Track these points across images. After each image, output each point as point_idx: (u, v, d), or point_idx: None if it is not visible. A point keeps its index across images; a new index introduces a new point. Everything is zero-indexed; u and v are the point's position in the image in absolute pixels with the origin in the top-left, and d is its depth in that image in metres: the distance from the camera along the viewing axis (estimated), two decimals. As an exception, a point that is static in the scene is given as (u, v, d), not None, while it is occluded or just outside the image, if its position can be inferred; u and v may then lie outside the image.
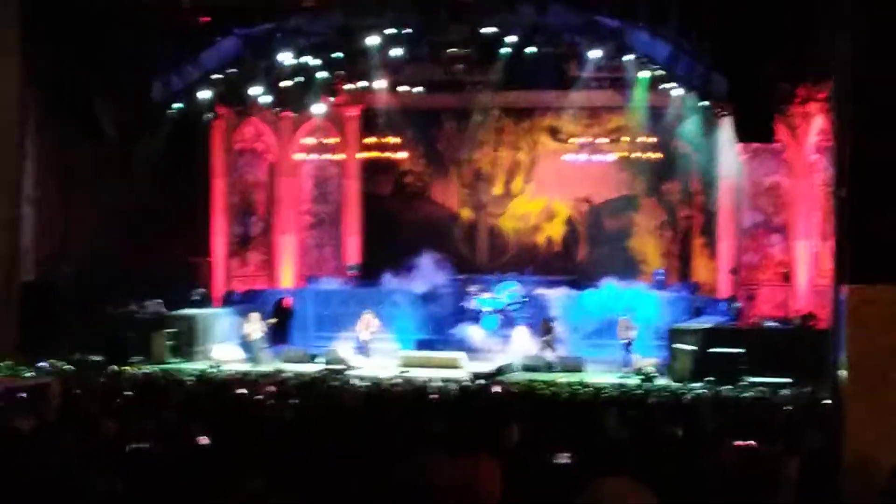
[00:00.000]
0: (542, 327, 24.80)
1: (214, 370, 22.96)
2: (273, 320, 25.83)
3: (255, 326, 25.10)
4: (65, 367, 22.62)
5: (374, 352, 24.70)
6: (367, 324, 25.15)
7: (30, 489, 9.71)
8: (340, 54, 25.59)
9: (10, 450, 11.66)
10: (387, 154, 29.33)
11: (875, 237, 14.92)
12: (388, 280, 27.27)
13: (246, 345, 24.83)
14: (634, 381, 21.68)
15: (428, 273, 27.06)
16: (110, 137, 24.07)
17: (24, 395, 17.12)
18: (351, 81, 27.11)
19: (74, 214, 25.13)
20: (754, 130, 23.61)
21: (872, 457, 13.74)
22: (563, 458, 11.03)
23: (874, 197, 16.65)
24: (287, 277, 29.44)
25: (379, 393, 18.64)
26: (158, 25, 24.04)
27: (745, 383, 21.46)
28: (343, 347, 24.32)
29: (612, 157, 28.09)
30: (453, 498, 8.42)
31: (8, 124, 23.72)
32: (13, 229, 23.78)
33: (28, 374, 21.71)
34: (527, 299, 26.07)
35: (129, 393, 17.86)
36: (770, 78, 22.58)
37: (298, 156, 29.66)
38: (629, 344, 24.00)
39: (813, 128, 25.30)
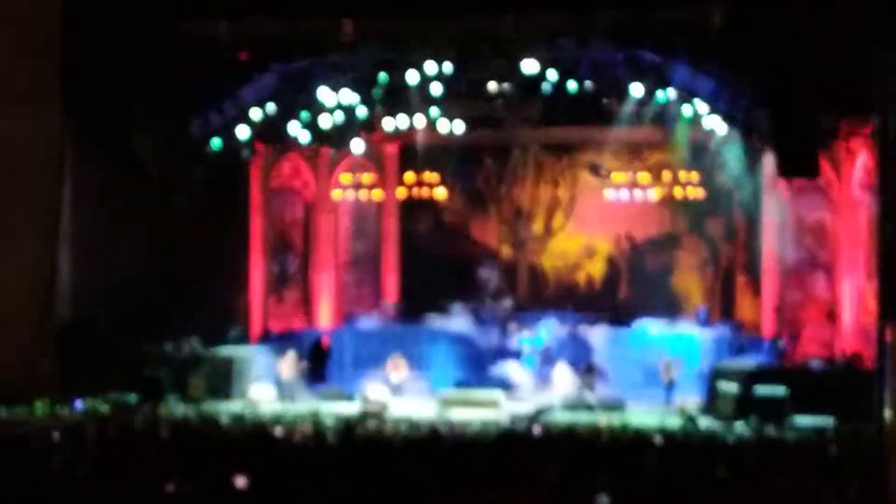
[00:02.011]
0: (583, 366, 24.76)
1: (251, 410, 22.96)
2: (305, 361, 25.82)
3: (290, 365, 25.11)
4: (101, 406, 22.72)
5: (408, 392, 24.65)
6: (396, 365, 25.13)
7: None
8: (379, 90, 25.63)
9: (47, 491, 11.72)
10: (426, 191, 29.40)
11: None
12: (427, 318, 27.27)
13: (281, 384, 24.83)
14: (676, 421, 21.56)
15: (467, 311, 27.07)
16: (149, 174, 24.19)
17: (59, 435, 17.15)
18: (390, 118, 27.15)
19: (112, 252, 25.21)
20: (798, 166, 23.57)
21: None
22: (604, 501, 11.01)
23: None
24: (325, 316, 29.47)
25: (417, 434, 18.63)
26: (198, 61, 24.16)
27: (789, 424, 21.36)
28: (376, 388, 24.30)
29: (653, 193, 28.08)
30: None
31: (47, 160, 23.90)
32: (50, 267, 23.93)
33: (64, 414, 21.84)
34: (567, 338, 25.99)
35: (166, 433, 17.91)
36: (813, 113, 22.54)
37: (336, 193, 29.74)
38: (671, 384, 23.91)
39: (858, 164, 25.25)
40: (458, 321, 27.04)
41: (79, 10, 23.50)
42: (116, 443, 16.20)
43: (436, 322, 27.18)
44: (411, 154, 29.13)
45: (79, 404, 22.63)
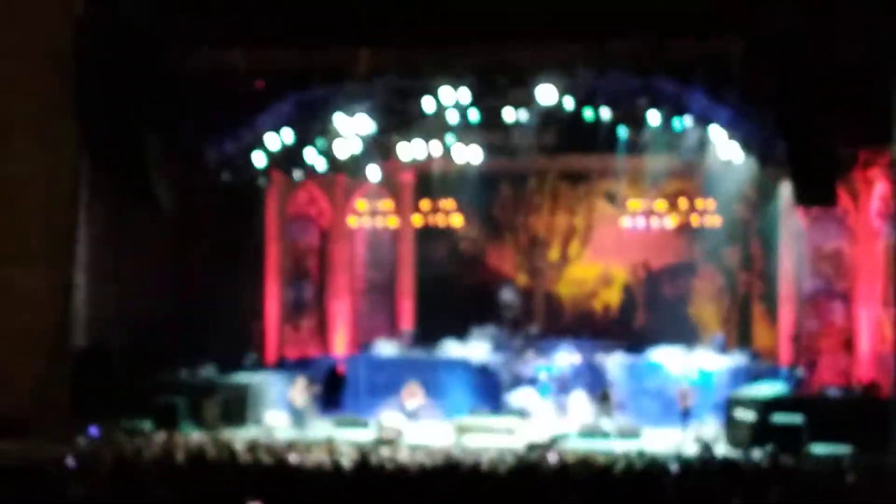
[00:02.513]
0: (600, 394, 24.75)
1: (266, 437, 22.98)
2: (318, 386, 25.84)
3: (301, 392, 25.14)
4: (115, 433, 22.76)
5: (423, 419, 24.66)
6: (412, 392, 25.15)
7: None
8: (396, 118, 25.70)
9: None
10: (441, 219, 29.45)
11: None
12: (443, 346, 27.29)
13: (293, 411, 24.85)
14: (693, 449, 21.54)
15: (481, 339, 27.09)
16: (164, 203, 24.22)
17: (74, 462, 17.18)
18: (406, 146, 27.22)
19: (127, 281, 25.29)
20: (815, 195, 23.56)
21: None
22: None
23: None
24: (340, 343, 29.51)
25: (433, 461, 18.62)
26: (213, 90, 24.23)
27: (806, 452, 21.33)
28: (391, 415, 24.31)
29: (669, 222, 28.10)
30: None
31: (64, 192, 23.97)
32: (67, 295, 23.97)
33: (79, 441, 21.87)
34: (583, 366, 25.98)
35: (181, 460, 17.93)
36: (831, 142, 22.54)
37: (352, 221, 29.83)
38: (687, 411, 23.88)
39: (875, 193, 25.23)
40: (473, 348, 27.06)
41: (92, 41, 23.57)
42: (131, 469, 16.22)
43: (451, 349, 27.21)
44: (427, 182, 29.22)
45: (93, 431, 22.67)
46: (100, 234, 24.82)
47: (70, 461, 17.19)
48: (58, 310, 23.87)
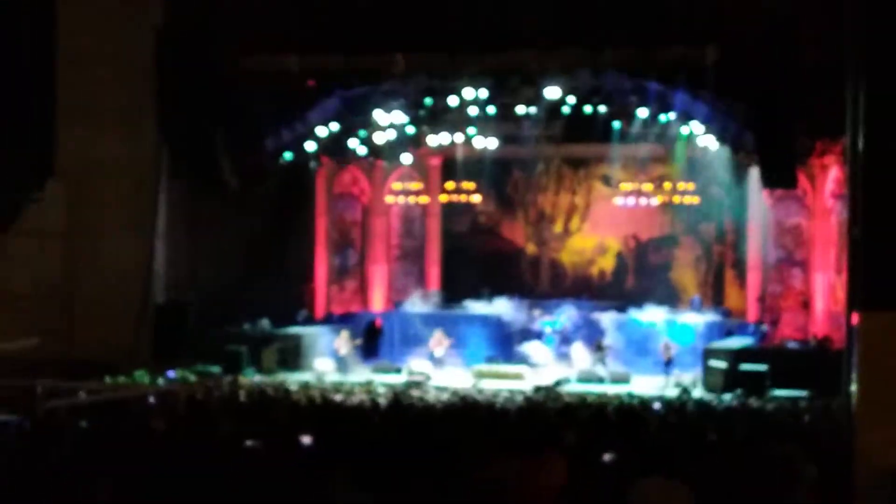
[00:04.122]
0: (595, 345, 24.71)
1: (316, 380, 23.00)
2: (359, 338, 25.85)
3: (345, 343, 25.16)
4: (189, 376, 22.82)
5: (447, 365, 24.66)
6: (439, 341, 25.15)
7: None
8: (425, 112, 25.63)
9: (145, 446, 11.77)
10: (464, 197, 29.37)
11: (882, 270, 14.74)
12: (465, 304, 27.27)
13: (338, 358, 24.88)
14: (674, 392, 21.51)
15: (498, 298, 27.07)
16: (231, 185, 24.24)
17: (154, 399, 17.22)
18: (434, 135, 27.16)
19: (199, 248, 25.33)
20: (779, 178, 23.43)
21: (882, 460, 13.55)
22: (611, 459, 10.98)
23: (881, 237, 16.43)
24: (378, 301, 29.49)
25: (455, 401, 18.61)
26: (272, 88, 24.20)
27: (769, 396, 21.28)
28: (420, 362, 24.31)
29: (655, 201, 27.98)
30: (524, 489, 8.37)
31: (145, 174, 24.07)
32: (148, 261, 24.05)
33: (159, 382, 21.93)
34: (582, 322, 25.93)
35: (244, 399, 17.95)
36: (792, 133, 22.40)
37: (389, 199, 29.77)
38: (670, 361, 23.83)
39: (829, 177, 25.10)
40: (490, 306, 27.03)
41: (170, 48, 23.57)
42: (203, 406, 16.25)
43: (472, 306, 27.18)
44: (452, 166, 29.12)
45: (171, 374, 22.74)
46: (177, 210, 24.82)
47: (151, 399, 17.25)
48: (142, 272, 23.97)
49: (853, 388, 16.27)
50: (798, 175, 23.83)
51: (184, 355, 23.49)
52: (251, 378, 23.16)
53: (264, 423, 13.43)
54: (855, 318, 17.42)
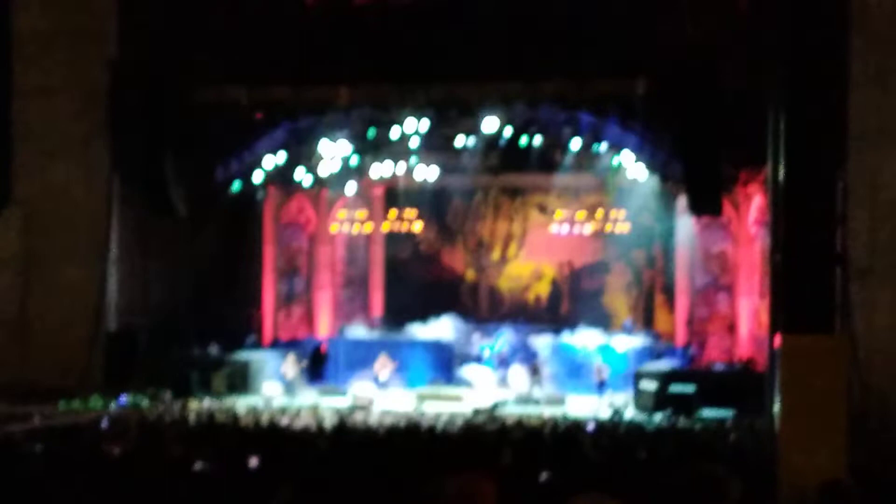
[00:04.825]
0: (531, 368, 24.79)
1: (263, 404, 22.94)
2: (305, 361, 25.81)
3: (292, 367, 25.12)
4: (141, 400, 22.68)
5: (391, 388, 24.66)
6: (384, 364, 25.14)
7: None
8: (369, 143, 25.72)
9: (97, 467, 11.73)
10: (406, 225, 29.45)
11: (801, 295, 14.98)
12: (407, 328, 27.32)
13: (285, 382, 24.84)
14: (607, 413, 21.63)
15: (438, 323, 27.14)
16: (181, 213, 24.19)
17: (107, 423, 17.13)
18: (378, 165, 27.24)
19: (150, 274, 25.21)
20: (705, 206, 23.70)
21: (803, 476, 13.74)
22: (547, 477, 11.06)
23: (801, 263, 16.68)
24: (324, 326, 29.47)
25: (397, 424, 18.62)
26: (221, 120, 24.20)
27: (697, 416, 21.44)
28: (364, 385, 24.30)
29: (589, 228, 28.19)
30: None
31: (98, 201, 23.95)
32: (101, 287, 23.92)
33: (111, 407, 21.80)
34: (519, 345, 26.02)
35: (193, 422, 17.89)
36: (717, 162, 22.65)
37: (334, 227, 29.78)
38: (602, 383, 23.98)
39: (753, 204, 25.37)
40: (431, 330, 27.08)
41: (123, 80, 23.55)
42: (154, 430, 16.19)
43: (414, 331, 27.22)
44: (394, 195, 29.21)
45: (123, 399, 22.60)
46: (129, 237, 24.70)
47: (104, 423, 17.16)
48: (94, 299, 23.84)
49: (776, 407, 16.50)
50: (723, 203, 24.12)
51: (136, 380, 23.34)
52: (201, 402, 23.05)
53: (213, 446, 13.42)
54: (777, 341, 17.68)
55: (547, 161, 26.24)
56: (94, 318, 23.70)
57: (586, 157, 25.71)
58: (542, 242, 28.80)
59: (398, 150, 26.17)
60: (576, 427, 18.34)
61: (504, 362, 25.52)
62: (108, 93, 23.53)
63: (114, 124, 23.64)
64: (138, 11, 23.76)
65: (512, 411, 22.24)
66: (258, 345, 27.42)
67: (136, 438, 15.06)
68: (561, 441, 15.46)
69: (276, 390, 24.42)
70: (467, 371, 25.29)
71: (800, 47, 20.32)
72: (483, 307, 28.99)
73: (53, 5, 23.93)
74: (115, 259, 24.37)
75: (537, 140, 24.97)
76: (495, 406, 22.82)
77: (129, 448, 13.35)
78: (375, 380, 24.76)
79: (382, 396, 23.82)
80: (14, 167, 24.27)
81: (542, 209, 28.74)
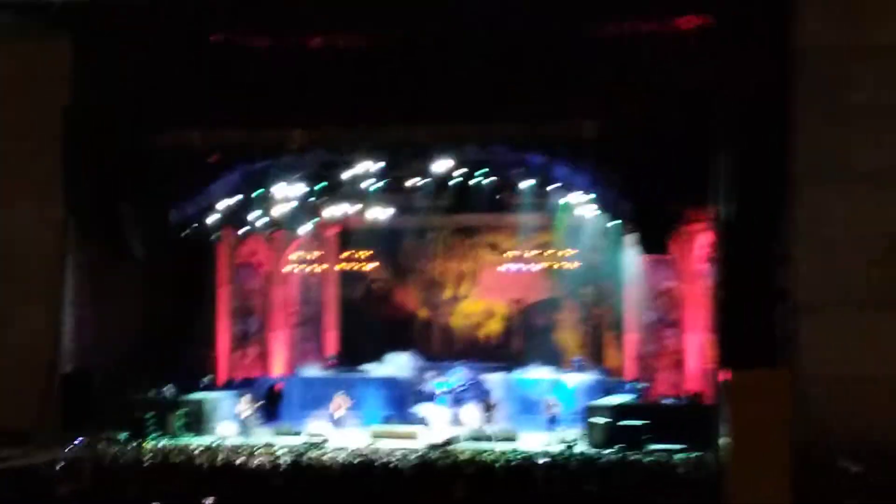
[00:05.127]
0: (484, 405, 24.85)
1: (218, 444, 22.84)
2: (260, 402, 25.73)
3: (246, 406, 25.06)
4: (97, 442, 22.52)
5: (345, 426, 24.62)
6: (340, 403, 25.11)
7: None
8: (323, 185, 25.79)
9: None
10: (359, 265, 29.50)
11: (744, 330, 15.21)
12: (360, 367, 27.32)
13: (240, 422, 24.76)
14: (559, 448, 21.70)
15: (392, 361, 27.17)
16: (136, 255, 24.14)
17: (63, 465, 17.03)
18: (331, 207, 27.30)
19: (105, 316, 25.02)
20: (652, 244, 23.93)
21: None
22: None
23: (744, 300, 16.91)
24: (278, 366, 29.38)
25: (351, 461, 18.62)
26: (175, 163, 24.19)
27: (647, 449, 21.54)
28: (319, 424, 24.25)
29: (539, 266, 28.34)
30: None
31: (52, 244, 23.82)
32: (56, 329, 23.78)
33: (67, 449, 21.63)
34: (472, 382, 26.04)
35: (150, 463, 17.81)
36: (664, 203, 22.87)
37: (288, 268, 29.76)
38: (553, 418, 24.06)
39: (699, 242, 25.56)
40: (386, 368, 27.10)
41: (76, 125, 23.52)
42: (109, 472, 16.13)
43: (368, 369, 27.22)
44: (348, 236, 29.27)
45: (79, 441, 22.43)
46: (83, 279, 24.52)
47: (59, 466, 17.05)
48: (49, 341, 23.69)
49: (723, 440, 16.66)
50: (670, 241, 24.33)
51: (92, 422, 23.16)
52: (157, 443, 22.92)
53: (169, 486, 13.39)
54: (722, 376, 17.86)
55: (498, 201, 26.35)
56: (50, 361, 23.54)
57: (536, 197, 25.83)
58: (493, 281, 28.92)
59: (351, 192, 26.21)
60: (528, 461, 18.43)
61: (457, 400, 25.52)
62: (62, 137, 23.48)
63: (68, 168, 23.57)
64: (93, 57, 23.70)
65: (465, 447, 22.26)
66: (213, 385, 27.28)
67: (91, 480, 15.01)
68: (513, 475, 15.56)
69: (231, 430, 24.34)
70: (421, 409, 25.26)
71: (742, 89, 20.69)
72: (436, 345, 29.01)
73: (9, 52, 23.87)
74: (71, 301, 24.20)
75: (488, 181, 25.10)
76: (448, 442, 22.83)
77: (85, 489, 13.30)
78: (331, 418, 24.72)
79: (337, 434, 23.79)
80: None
81: (494, 248, 28.87)
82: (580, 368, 26.43)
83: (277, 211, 26.85)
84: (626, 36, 22.94)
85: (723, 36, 21.42)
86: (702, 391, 24.23)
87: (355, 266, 29.53)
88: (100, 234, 24.01)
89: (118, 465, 17.33)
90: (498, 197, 26.14)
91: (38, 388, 23.15)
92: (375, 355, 27.40)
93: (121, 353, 24.99)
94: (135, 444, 22.50)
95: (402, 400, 26.16)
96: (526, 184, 25.07)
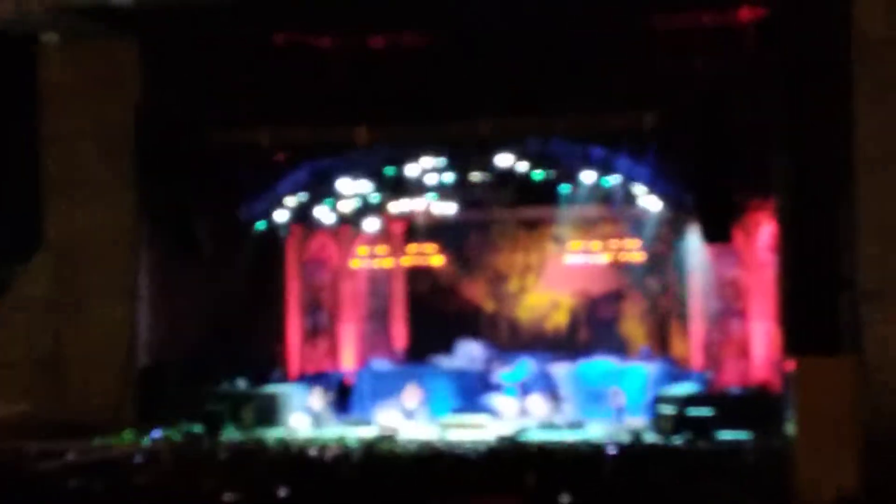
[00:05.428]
0: (551, 395, 24.85)
1: (291, 436, 23.01)
2: (331, 394, 25.87)
3: (318, 399, 25.21)
4: (173, 434, 22.79)
5: (417, 417, 24.70)
6: (412, 394, 25.20)
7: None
8: (388, 180, 25.86)
9: (133, 502, 11.84)
10: (425, 259, 29.58)
11: (808, 319, 15.10)
12: (429, 360, 27.40)
13: (312, 414, 24.91)
14: (626, 437, 21.65)
15: (460, 353, 27.22)
16: (207, 252, 24.39)
17: (140, 458, 17.23)
18: (397, 202, 27.38)
19: (178, 312, 25.34)
20: (716, 234, 23.77)
21: (818, 497, 13.78)
22: (566, 500, 11.13)
23: (807, 287, 16.78)
24: (348, 359, 29.53)
25: (423, 452, 18.68)
26: (244, 161, 24.44)
27: (714, 438, 21.43)
28: (391, 415, 24.35)
29: (603, 258, 28.25)
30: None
31: (126, 241, 24.18)
32: (132, 325, 24.10)
33: (144, 442, 21.92)
34: (538, 373, 26.02)
35: (224, 455, 17.98)
36: (727, 192, 22.76)
37: (355, 262, 29.89)
38: (620, 408, 24.01)
39: (763, 232, 25.38)
40: (454, 360, 27.16)
41: (148, 124, 23.82)
42: (186, 464, 16.29)
43: (436, 361, 27.29)
44: (414, 230, 29.34)
45: (155, 433, 22.71)
46: (157, 276, 24.87)
47: (137, 458, 17.27)
48: (125, 336, 24.02)
49: (791, 429, 16.53)
50: (734, 230, 24.17)
51: (167, 415, 23.46)
52: (231, 435, 23.14)
53: (244, 478, 13.51)
54: (790, 364, 17.73)
55: (560, 194, 26.31)
56: (126, 356, 23.88)
57: (599, 189, 25.76)
58: (557, 273, 28.84)
59: (417, 187, 26.28)
60: (596, 451, 18.39)
61: (525, 390, 25.53)
62: (133, 137, 23.78)
63: (140, 167, 23.89)
64: (162, 59, 24.03)
65: (534, 437, 22.26)
66: (285, 378, 27.49)
67: (168, 472, 15.17)
68: (581, 464, 15.53)
69: (303, 422, 24.51)
70: (490, 399, 25.31)
71: (803, 78, 20.54)
72: (502, 337, 28.99)
73: (78, 56, 24.23)
74: (144, 298, 24.54)
75: (550, 174, 25.06)
76: (518, 432, 22.85)
77: (162, 481, 13.45)
78: (403, 409, 24.82)
79: (408, 426, 23.87)
80: (44, 213, 24.56)
81: (557, 240, 28.79)
82: (646, 358, 26.32)
83: (344, 207, 26.97)
84: (687, 27, 22.87)
85: (783, 26, 21.29)
86: (769, 380, 24.05)
87: (421, 260, 29.57)
88: (171, 230, 24.29)
89: (193, 457, 17.49)
90: (560, 189, 26.09)
91: (115, 382, 23.50)
92: (443, 348, 27.44)
93: (194, 347, 25.27)
94: (209, 436, 22.73)
95: (470, 391, 26.17)
96: (588, 176, 24.98)
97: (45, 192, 24.60)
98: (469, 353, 27.28)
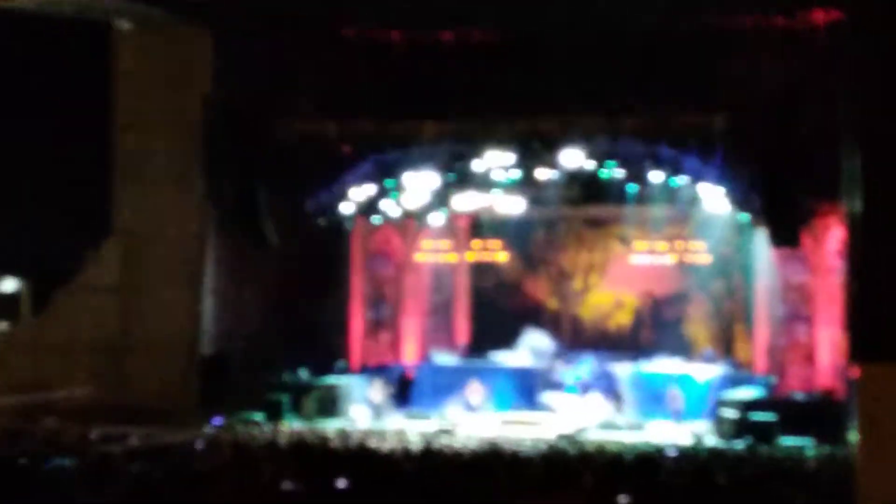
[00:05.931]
0: (612, 395, 24.74)
1: (351, 427, 23.10)
2: (392, 387, 25.95)
3: (379, 392, 25.29)
4: (234, 423, 22.96)
5: (478, 413, 24.69)
6: (475, 390, 25.21)
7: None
8: (453, 175, 25.84)
9: (193, 487, 11.93)
10: (490, 255, 29.54)
11: (879, 325, 14.85)
12: (491, 356, 27.37)
13: (373, 406, 25.00)
14: (687, 440, 21.51)
15: (529, 341, 27.16)
16: (272, 242, 24.52)
17: (201, 444, 17.36)
18: (462, 197, 27.35)
19: (243, 301, 25.53)
20: (784, 238, 23.52)
21: (879, 502, 13.58)
22: (625, 502, 11.06)
23: (878, 293, 16.51)
24: (410, 352, 29.57)
25: (483, 448, 18.66)
26: (310, 152, 24.53)
27: (777, 443, 21.24)
28: (453, 410, 24.38)
29: (669, 259, 28.06)
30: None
31: (193, 233, 24.36)
32: (197, 313, 24.30)
33: (206, 428, 22.09)
34: (600, 373, 25.91)
35: (284, 444, 18.08)
36: (796, 195, 22.53)
37: (419, 256, 29.91)
38: (681, 410, 23.86)
39: (832, 236, 25.09)
40: (515, 357, 27.11)
41: (217, 114, 24.00)
42: (246, 451, 16.40)
43: (498, 357, 27.26)
44: (479, 226, 29.30)
45: (217, 421, 22.90)
46: (222, 265, 25.05)
47: (198, 444, 17.40)
48: (190, 324, 24.22)
49: (853, 436, 16.33)
50: (802, 234, 23.90)
51: (229, 402, 23.66)
52: (291, 424, 23.28)
53: (303, 467, 13.58)
54: (855, 371, 17.49)
55: (627, 194, 26.17)
56: (190, 343, 24.08)
57: (666, 189, 25.58)
58: (622, 272, 28.67)
59: (482, 183, 26.24)
60: (656, 452, 18.28)
61: (586, 389, 25.44)
62: (202, 127, 23.97)
63: (208, 157, 24.07)
64: (232, 49, 24.19)
65: (594, 437, 22.18)
66: (347, 370, 27.60)
67: (228, 459, 15.27)
68: (641, 465, 15.42)
69: (363, 414, 24.59)
70: (550, 397, 25.25)
71: (873, 81, 20.23)
72: (565, 335, 28.87)
73: (151, 44, 24.46)
74: (210, 286, 24.73)
75: (617, 173, 24.92)
76: (578, 431, 22.78)
77: (222, 469, 13.55)
78: (467, 404, 24.83)
79: (469, 421, 23.88)
80: (114, 200, 24.84)
81: (623, 240, 28.64)
82: (710, 361, 26.11)
83: (409, 201, 26.98)
84: (758, 28, 22.66)
85: (854, 30, 21.00)
86: (834, 387, 23.77)
87: (486, 256, 29.53)
88: (237, 221, 24.45)
89: (254, 445, 17.60)
90: (627, 189, 25.94)
91: (179, 369, 23.71)
92: (504, 344, 27.39)
93: (257, 337, 25.45)
94: (270, 425, 22.87)
95: (531, 389, 26.13)
96: (656, 176, 24.81)
97: (114, 180, 24.86)
98: (534, 344, 27.18)
